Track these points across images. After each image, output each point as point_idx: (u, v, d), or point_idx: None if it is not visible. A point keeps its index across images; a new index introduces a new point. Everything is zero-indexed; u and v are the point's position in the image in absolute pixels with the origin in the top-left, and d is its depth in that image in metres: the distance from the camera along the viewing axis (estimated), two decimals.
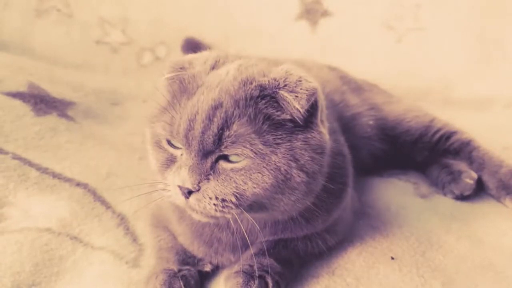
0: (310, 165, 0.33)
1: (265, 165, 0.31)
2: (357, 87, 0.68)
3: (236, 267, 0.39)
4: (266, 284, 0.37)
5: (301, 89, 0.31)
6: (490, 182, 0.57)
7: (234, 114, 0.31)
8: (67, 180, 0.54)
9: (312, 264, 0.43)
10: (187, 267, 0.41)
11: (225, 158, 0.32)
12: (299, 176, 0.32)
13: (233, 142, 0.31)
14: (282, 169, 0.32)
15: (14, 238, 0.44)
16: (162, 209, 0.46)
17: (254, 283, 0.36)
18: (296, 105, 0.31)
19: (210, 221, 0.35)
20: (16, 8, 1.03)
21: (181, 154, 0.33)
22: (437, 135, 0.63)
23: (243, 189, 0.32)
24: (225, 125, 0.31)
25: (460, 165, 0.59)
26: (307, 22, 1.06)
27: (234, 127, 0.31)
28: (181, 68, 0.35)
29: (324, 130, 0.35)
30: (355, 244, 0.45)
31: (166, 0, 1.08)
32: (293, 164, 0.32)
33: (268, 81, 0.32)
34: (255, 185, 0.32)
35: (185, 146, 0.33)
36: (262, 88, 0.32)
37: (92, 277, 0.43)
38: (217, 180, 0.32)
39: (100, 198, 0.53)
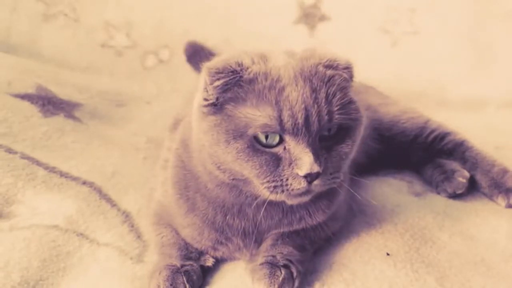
0: None
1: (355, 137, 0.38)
2: (353, 89, 0.70)
3: (260, 259, 0.40)
4: (291, 273, 0.38)
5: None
6: (482, 181, 0.58)
7: (331, 93, 0.36)
8: (74, 179, 0.56)
9: (310, 260, 0.44)
10: (190, 262, 0.42)
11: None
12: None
13: (338, 118, 0.36)
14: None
15: (22, 235, 0.46)
16: (164, 206, 0.47)
17: (281, 273, 0.37)
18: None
19: (301, 202, 0.37)
20: (24, 12, 1.06)
21: (284, 148, 0.35)
22: (432, 136, 0.64)
23: (346, 158, 0.38)
24: (330, 105, 0.36)
25: (453, 164, 0.61)
26: (305, 26, 1.09)
27: (335, 104, 0.36)
28: (232, 72, 0.35)
29: None
30: (352, 241, 0.47)
31: (169, 5, 1.11)
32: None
33: (333, 60, 0.38)
34: (350, 152, 0.38)
35: (301, 134, 0.35)
36: (332, 66, 0.38)
37: (97, 272, 0.45)
38: (330, 156, 0.37)
39: (106, 196, 0.55)
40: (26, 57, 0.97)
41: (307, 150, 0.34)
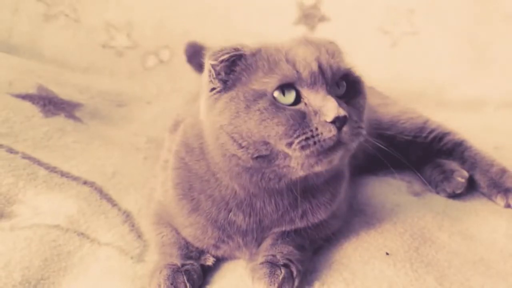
0: None
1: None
2: None
3: (260, 259, 0.40)
4: (291, 272, 0.39)
5: None
6: (481, 181, 0.59)
7: (331, 52, 0.38)
8: (75, 178, 0.56)
9: (310, 259, 0.44)
10: (190, 261, 0.43)
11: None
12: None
13: (344, 67, 0.38)
14: None
15: (23, 235, 0.46)
16: (164, 206, 0.47)
17: (281, 272, 0.37)
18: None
19: (333, 163, 0.36)
20: (26, 13, 1.06)
21: (305, 104, 0.35)
22: (431, 136, 0.65)
23: (364, 110, 0.39)
24: (334, 58, 0.37)
25: (452, 164, 0.61)
26: (305, 27, 1.09)
27: (337, 58, 0.38)
28: (234, 49, 0.38)
29: None
30: (351, 240, 0.47)
31: (169, 6, 1.11)
32: None
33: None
34: (365, 104, 0.39)
35: (318, 82, 0.35)
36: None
37: (98, 271, 0.45)
38: (349, 107, 0.37)
39: (106, 196, 0.55)
40: (27, 57, 0.98)
41: (328, 96, 0.35)
